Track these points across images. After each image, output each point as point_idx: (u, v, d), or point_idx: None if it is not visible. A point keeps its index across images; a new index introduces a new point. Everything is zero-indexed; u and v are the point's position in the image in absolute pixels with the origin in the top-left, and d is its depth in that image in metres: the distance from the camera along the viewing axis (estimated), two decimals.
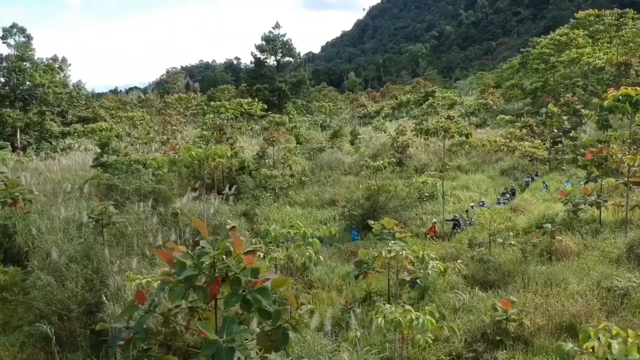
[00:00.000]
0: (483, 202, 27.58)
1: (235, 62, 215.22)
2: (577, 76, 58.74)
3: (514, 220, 20.46)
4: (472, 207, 26.18)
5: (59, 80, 62.43)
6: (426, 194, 28.53)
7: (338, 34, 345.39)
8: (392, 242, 14.85)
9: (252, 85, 69.88)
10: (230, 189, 29.53)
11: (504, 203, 27.94)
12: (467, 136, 23.06)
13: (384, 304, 11.84)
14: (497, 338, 13.41)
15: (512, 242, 20.01)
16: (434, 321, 10.63)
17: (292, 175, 34.65)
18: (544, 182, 30.89)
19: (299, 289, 18.36)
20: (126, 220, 17.89)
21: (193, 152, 17.14)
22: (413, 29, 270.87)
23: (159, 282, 7.04)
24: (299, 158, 39.98)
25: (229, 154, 17.63)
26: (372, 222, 18.37)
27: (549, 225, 19.36)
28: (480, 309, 15.26)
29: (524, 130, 40.49)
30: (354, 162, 39.77)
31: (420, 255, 13.38)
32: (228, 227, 7.01)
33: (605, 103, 18.88)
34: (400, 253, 13.27)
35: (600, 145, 22.13)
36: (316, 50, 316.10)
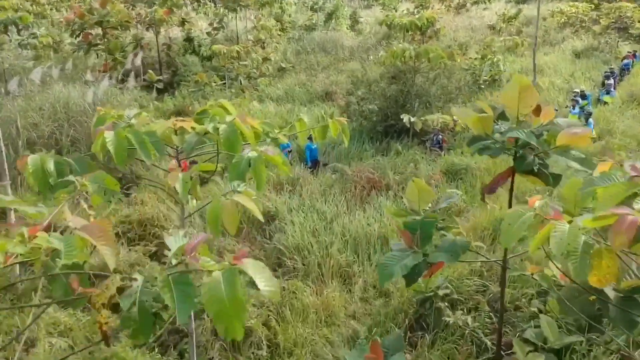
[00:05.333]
0: (583, 91, 16.19)
1: None
2: None
3: None
4: (575, 97, 14.88)
5: None
6: (485, 78, 17.07)
7: None
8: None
9: None
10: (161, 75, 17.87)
11: (613, 90, 16.78)
12: None
13: None
14: None
15: None
16: None
17: (266, 59, 22.90)
18: None
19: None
20: None
21: None
22: None
23: None
24: (281, 44, 28.09)
25: None
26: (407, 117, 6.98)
27: None
28: None
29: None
30: (359, 45, 27.92)
31: None
32: None
33: None
34: None
35: None
36: None
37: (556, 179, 4.75)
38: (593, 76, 20.01)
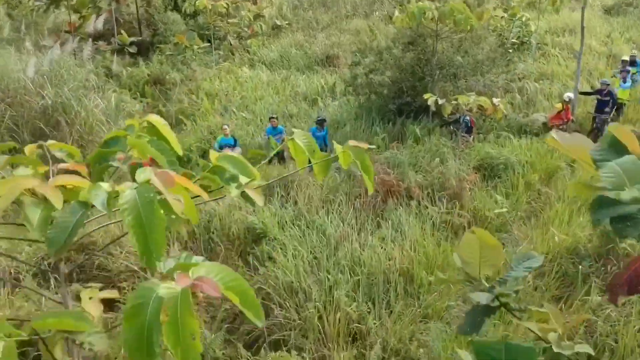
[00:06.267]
0: (633, 56, 13.78)
1: None
2: None
3: None
4: (624, 68, 12.46)
5: None
6: (514, 40, 14.63)
7: None
8: None
9: None
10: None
11: None
12: None
13: None
14: None
15: None
16: None
17: (258, 16, 20.31)
18: None
19: None
20: None
21: None
22: None
23: None
24: None
25: None
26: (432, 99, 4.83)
27: None
28: None
29: None
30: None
31: None
32: None
33: None
34: None
35: None
36: None
37: None
38: (633, 37, 17.49)
